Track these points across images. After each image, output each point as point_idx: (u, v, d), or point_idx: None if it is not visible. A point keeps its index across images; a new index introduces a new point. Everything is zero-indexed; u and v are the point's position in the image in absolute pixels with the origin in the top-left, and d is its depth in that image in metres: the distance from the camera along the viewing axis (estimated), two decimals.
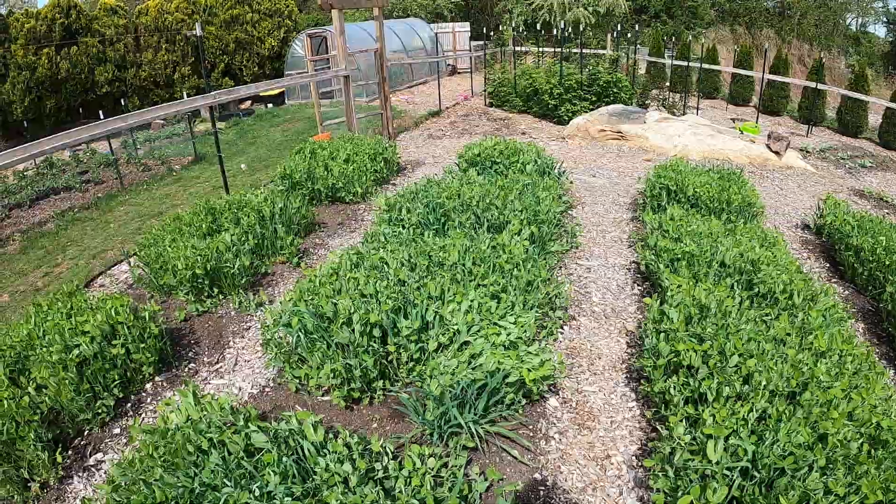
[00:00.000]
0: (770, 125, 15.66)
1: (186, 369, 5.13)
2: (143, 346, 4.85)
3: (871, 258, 5.92)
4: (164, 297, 6.21)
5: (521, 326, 4.20)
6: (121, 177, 12.86)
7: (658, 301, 4.48)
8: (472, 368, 3.85)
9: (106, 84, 19.55)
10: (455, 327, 4.16)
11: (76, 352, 4.49)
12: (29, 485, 4.07)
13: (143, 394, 4.83)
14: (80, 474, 4.13)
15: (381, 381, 4.39)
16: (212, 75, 21.16)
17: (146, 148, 15.40)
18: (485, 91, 17.46)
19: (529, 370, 3.81)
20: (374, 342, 4.29)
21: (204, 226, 6.70)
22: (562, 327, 5.19)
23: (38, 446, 4.02)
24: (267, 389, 4.74)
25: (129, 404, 4.71)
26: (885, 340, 5.36)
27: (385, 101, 12.37)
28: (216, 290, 6.10)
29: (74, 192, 12.52)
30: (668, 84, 19.34)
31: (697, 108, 16.23)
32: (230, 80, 21.34)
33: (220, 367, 5.17)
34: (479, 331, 4.15)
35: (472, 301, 4.33)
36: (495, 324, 4.22)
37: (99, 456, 4.26)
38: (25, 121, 17.85)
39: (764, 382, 3.43)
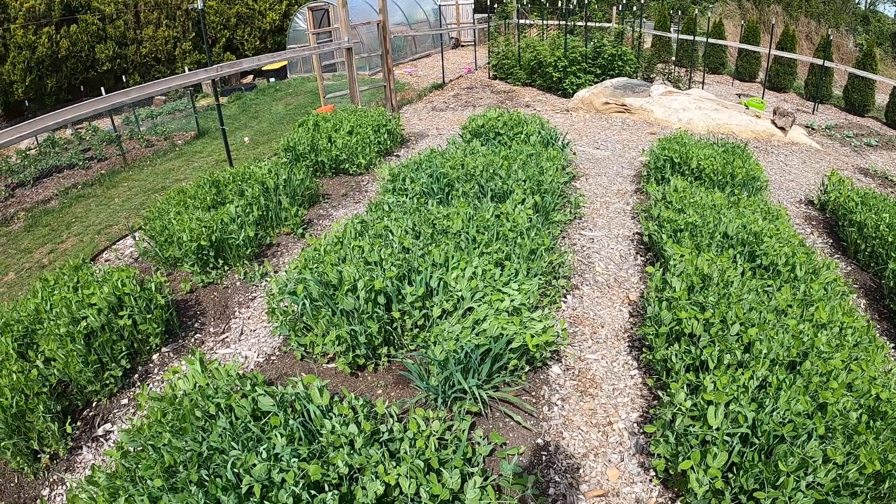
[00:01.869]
0: (776, 101, 15.55)
1: (193, 339, 5.18)
2: (149, 317, 4.89)
3: (874, 235, 5.92)
4: (170, 270, 6.23)
5: (525, 293, 4.22)
6: (123, 153, 12.82)
7: (661, 270, 4.50)
8: (476, 334, 3.88)
9: (107, 61, 19.38)
10: (459, 293, 4.18)
11: (83, 324, 4.52)
12: (39, 456, 4.12)
13: (151, 364, 4.87)
14: (90, 444, 4.18)
15: (386, 347, 4.43)
16: (213, 50, 20.96)
17: (148, 124, 15.33)
18: (489, 64, 17.34)
19: (533, 335, 3.83)
20: (379, 309, 4.32)
21: (208, 198, 6.70)
22: (565, 296, 5.21)
23: (47, 418, 4.06)
24: (273, 358, 4.77)
25: (136, 375, 4.75)
26: (887, 317, 5.37)
27: (388, 73, 12.29)
28: (221, 262, 6.12)
29: (78, 170, 12.49)
30: (673, 58, 19.19)
31: (703, 83, 16.11)
32: (231, 54, 21.16)
33: (226, 336, 5.20)
34: (482, 297, 4.17)
35: (475, 268, 4.35)
36: (499, 290, 4.23)
37: (108, 426, 4.31)
38: (27, 100, 17.74)
39: (765, 351, 3.45)
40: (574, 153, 8.66)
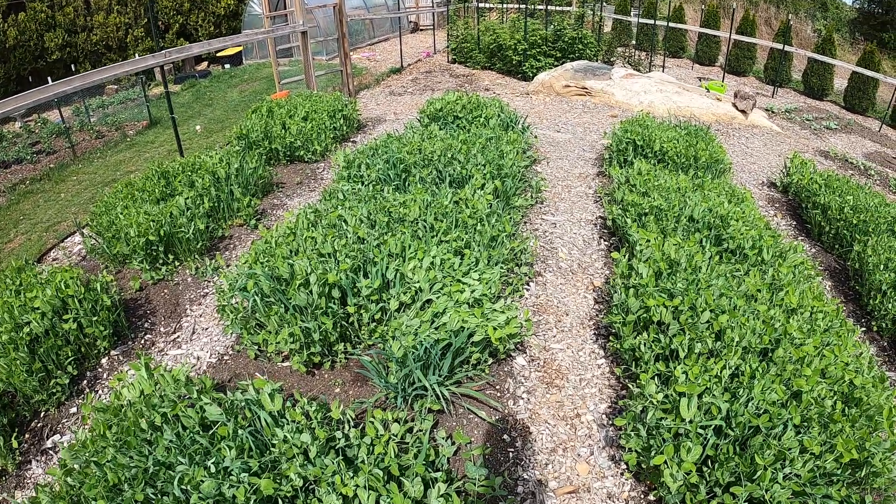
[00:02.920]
0: (736, 85, 15.59)
1: (143, 341, 4.93)
2: (95, 319, 4.63)
3: (838, 217, 5.85)
4: (119, 267, 5.94)
5: (486, 283, 4.02)
6: (73, 145, 12.28)
7: (626, 256, 4.33)
8: (436, 328, 3.67)
9: (56, 50, 18.59)
10: (417, 285, 3.96)
11: (26, 330, 4.26)
12: None
13: (100, 369, 4.63)
14: (38, 458, 3.94)
15: (343, 343, 4.21)
16: (166, 37, 20.27)
17: (99, 115, 14.72)
18: (448, 48, 17.06)
19: (495, 328, 3.64)
20: (334, 303, 4.09)
21: (157, 191, 6.38)
22: (528, 284, 5.03)
23: None
24: (226, 357, 4.56)
25: (85, 381, 4.52)
26: (852, 299, 5.31)
27: (345, 57, 11.96)
28: (171, 257, 5.86)
29: (26, 164, 11.94)
30: (633, 42, 19.11)
31: (664, 67, 16.09)
32: (185, 40, 20.44)
33: (178, 336, 4.97)
34: (441, 288, 3.96)
35: (434, 258, 4.13)
36: (459, 280, 4.03)
37: (56, 437, 4.08)
38: None
39: (736, 339, 3.31)
40: (535, 136, 8.46)
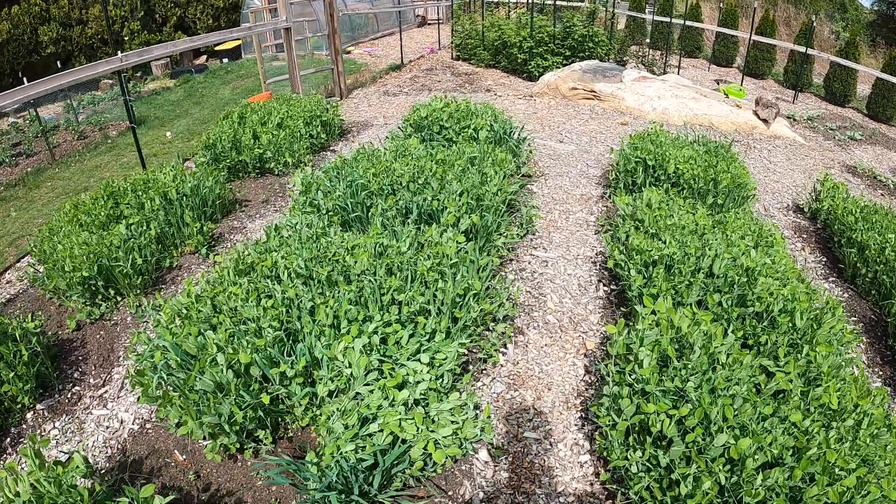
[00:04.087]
0: (754, 88, 14.50)
1: (70, 394, 4.43)
2: (13, 375, 4.11)
3: (877, 259, 4.89)
4: (63, 299, 5.35)
5: (438, 366, 3.15)
6: (50, 148, 11.51)
7: (625, 330, 3.40)
8: (365, 437, 2.80)
9: (51, 44, 17.78)
10: (348, 371, 3.09)
11: None
12: None
13: (24, 426, 4.20)
14: None
15: (265, 430, 3.39)
16: (163, 30, 19.37)
17: (89, 112, 13.92)
18: (452, 44, 16.09)
19: (437, 444, 2.76)
20: (252, 385, 3.24)
21: (103, 213, 5.62)
22: (505, 345, 4.15)
23: None
24: (148, 426, 4.01)
25: (8, 439, 4.12)
26: (890, 360, 4.37)
27: (336, 54, 11.07)
28: (113, 292, 5.18)
29: (4, 167, 11.23)
30: (647, 41, 18.01)
31: (679, 68, 14.99)
32: (183, 34, 19.58)
33: (106, 391, 4.45)
34: (379, 377, 3.08)
35: (373, 334, 3.26)
36: (402, 365, 3.14)
37: None
38: None
39: (760, 480, 2.40)
40: (531, 149, 7.51)
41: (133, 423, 4.08)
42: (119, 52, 7.21)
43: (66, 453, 4.08)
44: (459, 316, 3.66)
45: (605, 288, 4.79)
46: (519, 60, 13.38)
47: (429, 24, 22.09)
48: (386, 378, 3.01)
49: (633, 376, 3.01)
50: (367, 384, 3.05)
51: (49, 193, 9.59)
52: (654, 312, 3.38)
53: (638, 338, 3.20)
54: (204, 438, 3.55)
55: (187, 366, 3.38)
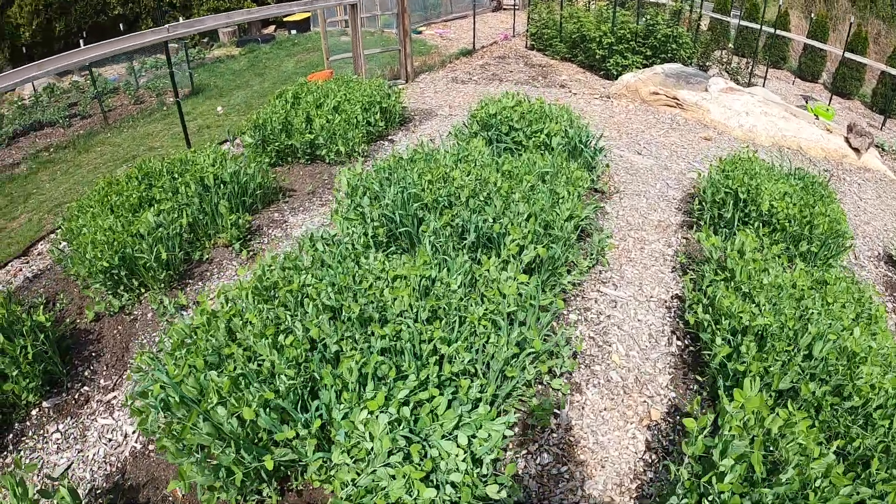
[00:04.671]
0: (840, 108, 13.30)
1: (78, 394, 4.12)
2: (17, 373, 3.83)
3: None
4: (82, 286, 4.99)
5: (480, 444, 2.54)
6: (104, 111, 11.25)
7: (707, 428, 2.70)
8: None
9: (118, 5, 17.54)
10: (368, 445, 2.50)
11: None
12: None
13: (28, 423, 3.95)
14: None
15: (270, 487, 2.87)
16: None
17: (151, 75, 13.65)
18: (527, 32, 15.26)
19: None
20: (260, 435, 2.72)
21: (135, 196, 5.19)
22: (558, 407, 3.50)
23: None
24: (151, 447, 3.59)
25: (10, 435, 3.88)
26: None
27: (404, 35, 10.45)
28: (136, 283, 4.77)
29: (57, 128, 11.06)
30: (731, 46, 16.84)
31: (765, 79, 13.88)
32: (252, 1, 19.27)
33: (115, 396, 4.06)
34: (404, 461, 2.48)
35: (403, 402, 2.65)
36: (433, 444, 2.54)
37: None
38: (33, 45, 16.21)
39: None
40: (607, 164, 6.73)
41: (136, 441, 3.71)
42: (181, 17, 6.79)
43: (64, 462, 3.70)
44: (512, 375, 3.04)
45: (679, 342, 4.08)
46: (597, 56, 12.52)
47: (504, 8, 21.22)
48: (412, 464, 2.41)
49: (710, 488, 2.36)
50: (389, 464, 2.46)
51: (97, 159, 9.32)
52: (741, 407, 2.67)
53: (721, 442, 2.53)
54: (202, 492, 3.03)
55: (187, 406, 2.86)
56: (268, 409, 2.74)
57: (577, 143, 6.08)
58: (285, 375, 2.74)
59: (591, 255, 4.69)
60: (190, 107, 11.41)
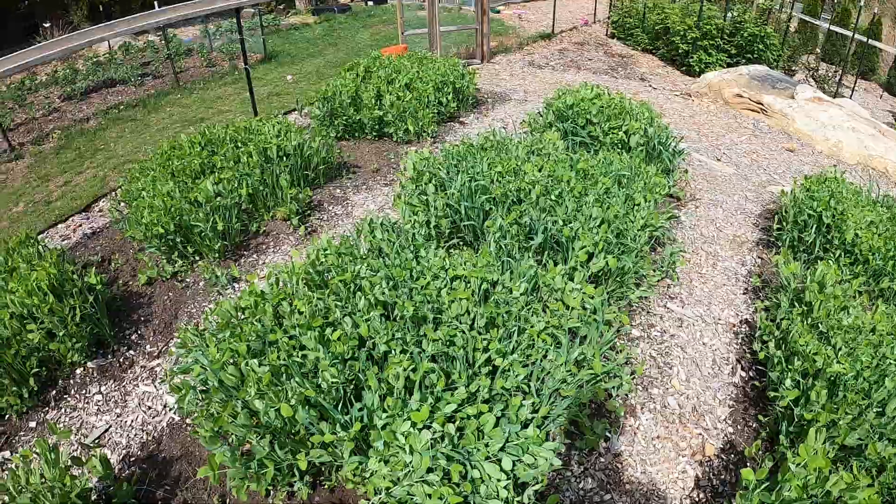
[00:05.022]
0: None
1: (123, 358, 4.07)
2: (63, 333, 3.78)
3: None
4: (140, 247, 5.02)
5: (522, 474, 2.34)
6: (175, 72, 11.29)
7: (764, 481, 2.44)
8: None
9: None
10: (407, 458, 2.33)
11: None
12: None
13: (72, 380, 3.93)
14: None
15: (302, 481, 2.76)
16: None
17: (225, 39, 13.67)
18: (608, 19, 14.73)
19: None
20: (297, 428, 2.59)
21: (196, 162, 5.12)
22: (609, 428, 3.26)
23: None
24: (189, 420, 3.51)
25: (53, 391, 3.87)
26: None
27: (482, 14, 10.14)
28: (191, 250, 4.72)
29: (129, 86, 11.17)
30: (818, 51, 15.93)
31: (853, 90, 13.07)
32: None
33: (159, 364, 4.02)
34: (443, 482, 2.29)
35: (448, 419, 2.48)
36: (475, 465, 2.35)
37: (6, 454, 3.51)
38: (111, 2, 16.37)
39: None
40: (685, 169, 6.34)
41: (174, 412, 3.62)
42: None
43: (102, 425, 3.66)
44: (567, 395, 2.82)
45: (743, 373, 3.76)
46: (680, 51, 11.99)
47: None
48: (451, 484, 2.23)
49: None
50: (426, 481, 2.29)
51: (165, 119, 9.36)
52: (802, 465, 2.38)
53: (779, 502, 2.27)
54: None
55: (226, 391, 2.74)
56: (307, 406, 2.59)
57: (657, 144, 5.74)
58: (329, 373, 2.58)
59: (661, 267, 4.39)
60: (261, 73, 11.38)
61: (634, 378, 3.53)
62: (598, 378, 2.95)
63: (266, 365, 2.68)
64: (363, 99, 6.56)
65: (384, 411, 2.50)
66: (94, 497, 3.08)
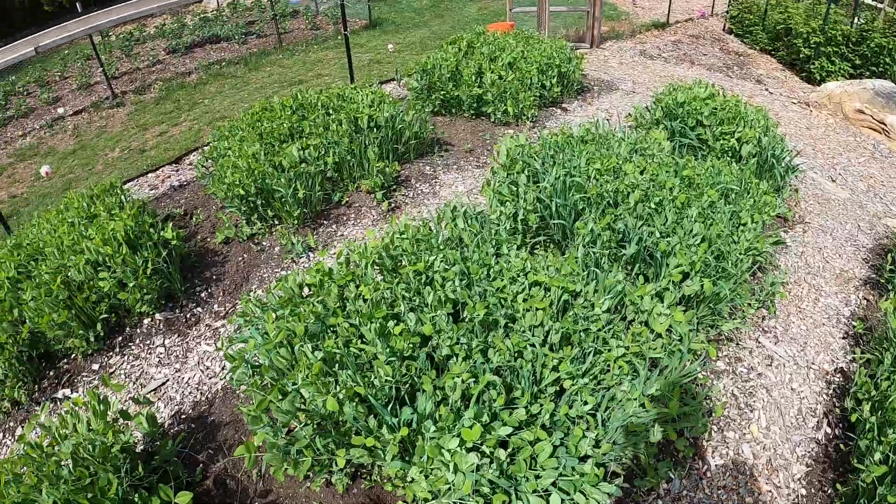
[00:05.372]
0: None
1: (190, 314, 4.08)
2: (133, 284, 3.81)
3: None
4: (221, 206, 5.03)
5: None
6: (279, 33, 11.33)
7: None
8: None
9: None
10: (450, 476, 2.13)
11: (59, 279, 3.68)
12: None
13: (139, 329, 3.97)
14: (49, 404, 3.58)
15: (345, 471, 2.65)
16: None
17: (331, 3, 13.62)
18: (727, 13, 13.82)
19: None
20: (340, 422, 2.45)
21: (286, 126, 5.03)
22: (674, 470, 2.96)
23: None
24: (244, 387, 3.26)
25: (120, 338, 3.93)
26: None
27: None
28: (271, 214, 4.66)
29: (232, 43, 11.34)
30: None
31: None
32: None
33: (223, 325, 3.99)
34: None
35: (498, 444, 2.26)
36: (518, 496, 2.13)
37: (67, 391, 3.68)
38: None
39: None
40: (796, 188, 5.77)
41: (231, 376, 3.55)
42: None
43: (160, 377, 3.65)
44: (635, 430, 2.54)
45: (829, 430, 3.34)
46: (801, 55, 11.11)
47: None
48: None
49: None
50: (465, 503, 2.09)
51: (265, 78, 9.40)
52: None
53: None
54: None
55: (276, 372, 2.62)
56: (357, 401, 2.43)
57: (770, 157, 5.24)
58: (383, 370, 2.40)
59: (759, 297, 3.96)
60: (364, 39, 11.29)
61: (705, 425, 3.20)
62: (673, 425, 2.66)
63: (320, 350, 2.52)
64: (463, 75, 6.31)
65: (435, 421, 2.30)
66: (138, 449, 3.08)
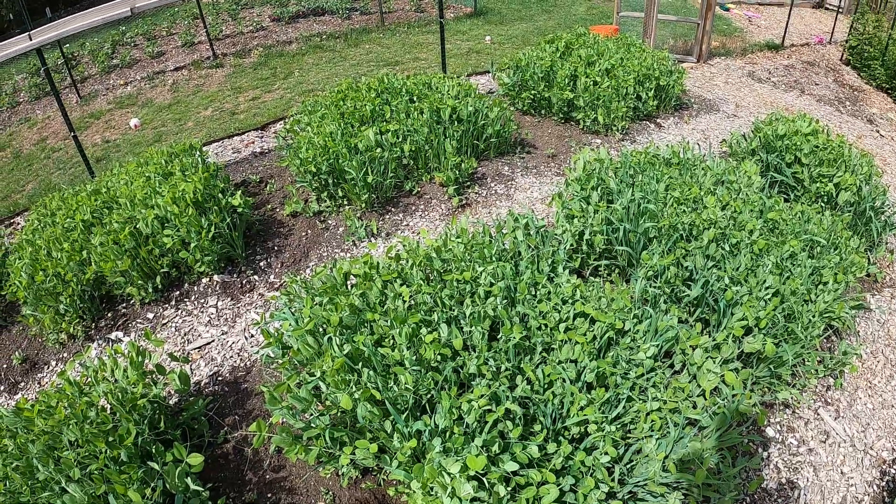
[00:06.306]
0: None
1: (246, 280, 4.10)
2: (194, 245, 3.85)
3: None
4: (293, 179, 5.02)
5: None
6: (382, 12, 11.26)
7: None
8: None
9: None
10: (445, 501, 2.00)
11: (127, 229, 3.78)
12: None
13: (198, 286, 4.05)
14: (99, 342, 3.75)
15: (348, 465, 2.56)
16: None
17: None
18: (846, 42, 12.83)
19: None
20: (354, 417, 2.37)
21: (367, 109, 4.94)
22: None
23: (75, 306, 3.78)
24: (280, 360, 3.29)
25: (177, 292, 4.00)
26: None
27: (707, 9, 9.09)
28: (341, 194, 4.63)
29: (336, 17, 11.34)
30: None
31: None
32: None
33: (276, 296, 3.86)
34: None
35: (501, 479, 2.11)
36: None
37: (119, 334, 3.81)
38: None
39: None
40: (894, 246, 5.24)
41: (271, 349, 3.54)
42: None
43: (207, 337, 3.68)
44: (654, 489, 2.33)
45: None
46: None
47: (826, 8, 18.12)
48: None
49: None
50: None
51: (363, 56, 9.35)
52: None
53: None
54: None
55: (301, 360, 2.55)
56: (373, 402, 2.33)
57: (868, 208, 4.79)
58: (405, 377, 2.29)
59: (828, 365, 3.60)
60: (466, 27, 11.10)
61: (744, 489, 2.92)
62: (698, 485, 2.43)
63: (349, 344, 2.43)
64: (556, 76, 6.06)
65: (444, 440, 2.18)
66: (171, 402, 3.14)
